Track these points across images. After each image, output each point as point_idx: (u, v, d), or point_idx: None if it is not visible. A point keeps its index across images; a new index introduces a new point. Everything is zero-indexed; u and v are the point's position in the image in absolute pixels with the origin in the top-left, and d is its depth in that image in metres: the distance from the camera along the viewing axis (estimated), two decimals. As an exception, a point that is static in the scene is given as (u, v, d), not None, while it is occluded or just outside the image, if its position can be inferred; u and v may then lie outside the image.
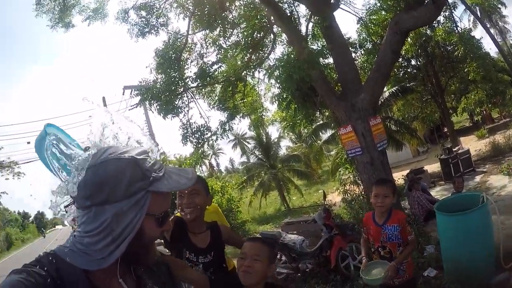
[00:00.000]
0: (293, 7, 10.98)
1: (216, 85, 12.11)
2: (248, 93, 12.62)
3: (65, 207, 1.02)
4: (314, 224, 7.42)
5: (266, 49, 12.03)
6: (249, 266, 1.99)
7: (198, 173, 1.52)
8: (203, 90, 12.31)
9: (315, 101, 9.04)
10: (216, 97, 12.31)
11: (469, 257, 4.56)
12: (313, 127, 16.67)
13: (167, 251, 2.37)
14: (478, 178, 12.13)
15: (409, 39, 14.29)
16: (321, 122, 17.64)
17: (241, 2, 11.42)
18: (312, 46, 9.70)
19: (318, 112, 10.71)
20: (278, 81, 8.34)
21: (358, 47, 11.94)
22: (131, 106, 11.86)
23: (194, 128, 11.25)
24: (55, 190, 1.00)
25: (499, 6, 29.44)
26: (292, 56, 8.38)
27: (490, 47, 73.96)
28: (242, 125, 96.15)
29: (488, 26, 25.81)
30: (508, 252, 4.62)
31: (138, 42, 11.27)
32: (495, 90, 19.50)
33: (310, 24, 10.59)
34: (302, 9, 11.49)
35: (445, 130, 26.09)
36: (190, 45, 11.75)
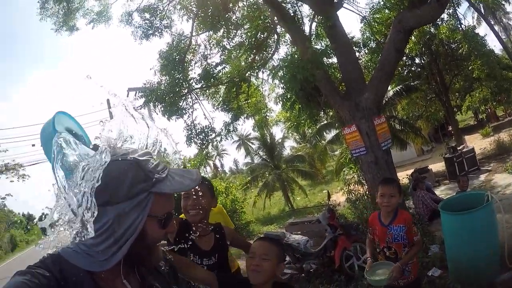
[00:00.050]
0: (297, 7, 10.99)
1: (220, 86, 12.14)
2: (252, 93, 12.63)
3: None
4: (318, 224, 7.41)
5: (270, 49, 12.05)
6: (258, 265, 2.00)
7: (202, 174, 1.51)
8: (207, 91, 12.34)
9: (319, 101, 9.03)
10: (220, 98, 12.34)
11: (473, 256, 4.55)
12: (317, 127, 16.66)
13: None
14: (483, 177, 12.07)
15: (413, 38, 14.24)
16: (325, 122, 17.61)
17: (245, 3, 11.44)
18: (315, 46, 9.68)
19: (322, 112, 10.69)
20: (282, 81, 8.35)
21: (361, 46, 11.91)
22: (136, 108, 11.88)
23: (199, 129, 11.28)
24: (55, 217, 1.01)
25: (503, 2, 29.08)
26: (296, 56, 8.39)
27: (494, 44, 73.47)
28: (246, 125, 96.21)
29: (492, 23, 25.67)
30: (513, 251, 4.62)
31: (142, 44, 11.34)
32: (499, 87, 19.37)
33: (314, 24, 10.59)
34: (306, 9, 11.52)
35: (450, 128, 25.94)
36: (194, 46, 11.79)
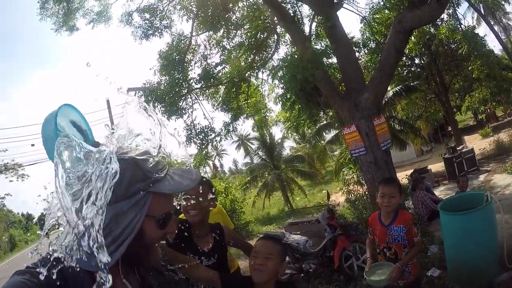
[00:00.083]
0: (296, 7, 11.00)
1: (220, 86, 12.15)
2: (251, 94, 12.64)
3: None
4: (317, 224, 7.41)
5: (270, 49, 12.06)
6: (261, 264, 2.00)
7: (201, 174, 1.49)
8: (207, 91, 12.35)
9: (318, 101, 9.03)
10: (220, 98, 12.35)
11: (473, 257, 4.55)
12: (316, 127, 16.68)
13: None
14: (482, 177, 12.07)
15: (412, 38, 14.24)
16: (325, 122, 17.65)
17: (244, 3, 11.45)
18: (315, 46, 9.70)
19: (321, 112, 10.70)
20: (282, 81, 8.35)
21: (361, 46, 11.93)
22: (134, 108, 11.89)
23: (198, 129, 11.30)
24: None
25: (503, 2, 29.15)
26: (296, 56, 8.39)
27: (494, 45, 73.65)
28: (245, 126, 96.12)
29: (492, 23, 25.65)
30: (512, 251, 4.62)
31: (142, 44, 11.34)
32: (499, 88, 19.37)
33: (314, 24, 10.60)
34: (306, 9, 11.53)
35: (449, 129, 25.98)
36: (193, 46, 11.80)
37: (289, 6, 10.76)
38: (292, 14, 10.09)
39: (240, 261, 5.78)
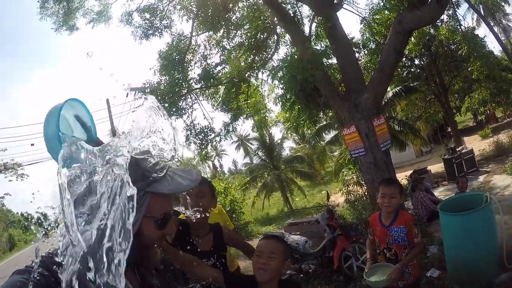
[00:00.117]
0: (296, 8, 11.01)
1: (220, 86, 12.14)
2: (251, 94, 12.64)
3: None
4: (317, 224, 7.41)
5: (270, 50, 12.05)
6: (264, 263, 2.01)
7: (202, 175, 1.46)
8: (207, 91, 12.34)
9: (318, 101, 9.03)
10: (220, 98, 12.34)
11: (472, 257, 4.55)
12: (316, 127, 16.69)
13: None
14: (481, 178, 12.09)
15: (412, 39, 14.26)
16: (325, 122, 17.67)
17: (245, 3, 11.44)
18: (315, 47, 9.69)
19: (321, 113, 10.70)
20: (282, 81, 8.35)
21: (361, 47, 11.94)
22: (135, 108, 11.90)
23: (198, 129, 11.28)
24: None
25: (503, 4, 29.25)
26: (296, 56, 8.39)
27: (493, 46, 73.38)
28: (245, 126, 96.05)
29: (492, 24, 25.72)
30: (511, 252, 4.62)
31: (142, 44, 11.34)
32: (499, 89, 19.39)
33: (314, 25, 10.60)
34: (305, 10, 11.53)
35: (449, 130, 26.01)
36: (193, 46, 11.80)
37: (289, 6, 10.77)
38: (292, 15, 10.10)
39: (240, 261, 5.78)
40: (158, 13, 11.25)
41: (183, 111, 11.02)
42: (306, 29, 10.51)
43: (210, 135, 11.53)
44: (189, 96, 11.37)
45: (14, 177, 17.92)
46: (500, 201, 6.91)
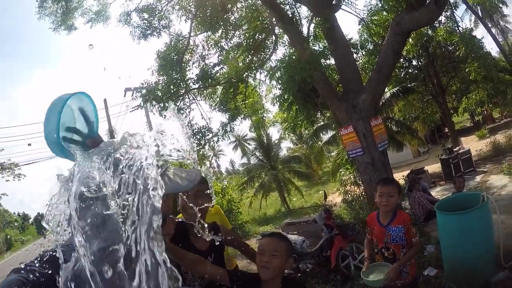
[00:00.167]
0: (295, 9, 11.03)
1: (218, 86, 12.15)
2: (249, 94, 12.65)
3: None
4: (314, 224, 7.43)
5: (268, 50, 12.07)
6: (267, 261, 2.03)
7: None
8: (205, 91, 12.34)
9: (316, 102, 9.06)
10: (218, 99, 12.35)
11: (469, 256, 4.57)
12: (314, 128, 16.69)
13: None
14: (478, 178, 12.12)
15: (410, 40, 14.29)
16: (322, 123, 17.69)
17: (243, 4, 11.45)
18: (313, 47, 9.73)
19: (319, 113, 10.73)
20: (280, 82, 8.38)
21: (359, 48, 11.96)
22: (133, 108, 11.92)
23: (195, 129, 11.28)
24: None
25: (500, 5, 29.35)
26: (294, 57, 8.41)
27: (491, 47, 73.45)
28: (243, 126, 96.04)
29: (489, 25, 25.85)
30: (508, 251, 4.64)
31: (140, 44, 11.35)
32: (496, 90, 19.41)
33: (312, 25, 10.63)
34: (304, 11, 11.55)
35: (446, 130, 26.03)
36: (192, 47, 11.80)
37: (287, 7, 10.80)
38: (290, 15, 10.11)
39: (238, 261, 5.79)
40: (156, 13, 11.26)
41: (181, 111, 11.02)
42: (305, 30, 10.57)
43: (208, 135, 11.52)
44: (187, 96, 11.38)
45: (11, 177, 17.87)
46: (497, 201, 6.94)
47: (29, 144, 17.79)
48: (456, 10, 14.53)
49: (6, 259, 35.67)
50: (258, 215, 22.16)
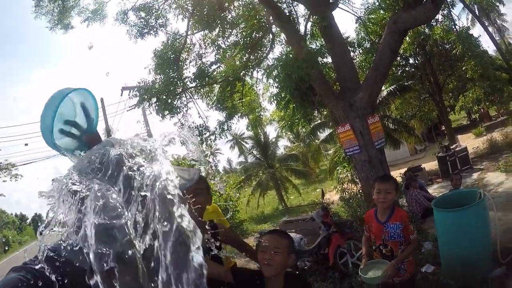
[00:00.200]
0: (292, 7, 11.01)
1: (215, 85, 12.13)
2: (246, 93, 12.63)
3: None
4: (312, 222, 7.44)
5: (265, 49, 12.05)
6: (269, 258, 2.05)
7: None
8: (202, 90, 12.33)
9: (313, 100, 9.06)
10: (215, 97, 12.33)
11: (466, 253, 4.58)
12: (311, 126, 16.71)
13: None
14: (475, 175, 12.16)
15: (407, 38, 14.31)
16: (319, 121, 17.72)
17: (240, 3, 11.44)
18: (310, 46, 9.73)
19: (316, 111, 10.74)
20: (277, 80, 8.38)
21: (356, 46, 11.96)
22: (130, 107, 11.90)
23: (193, 128, 11.26)
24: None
25: (497, 4, 29.40)
26: (291, 55, 8.42)
27: (488, 45, 73.86)
28: (240, 125, 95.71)
29: (486, 24, 25.87)
30: (505, 247, 4.67)
31: (137, 43, 11.32)
32: (492, 88, 19.48)
33: (309, 24, 10.61)
34: (301, 9, 11.52)
35: (443, 128, 26.09)
36: (189, 45, 11.77)
37: (284, 5, 10.76)
38: (287, 14, 10.09)
39: (236, 259, 5.79)
40: (153, 11, 11.22)
41: (178, 110, 11.01)
42: (302, 28, 10.52)
43: (205, 133, 11.52)
44: (184, 95, 11.35)
45: (8, 178, 17.80)
46: (494, 198, 6.97)
47: (26, 144, 17.66)
48: (453, 8, 14.63)
49: (4, 260, 35.56)
50: (255, 213, 22.20)
